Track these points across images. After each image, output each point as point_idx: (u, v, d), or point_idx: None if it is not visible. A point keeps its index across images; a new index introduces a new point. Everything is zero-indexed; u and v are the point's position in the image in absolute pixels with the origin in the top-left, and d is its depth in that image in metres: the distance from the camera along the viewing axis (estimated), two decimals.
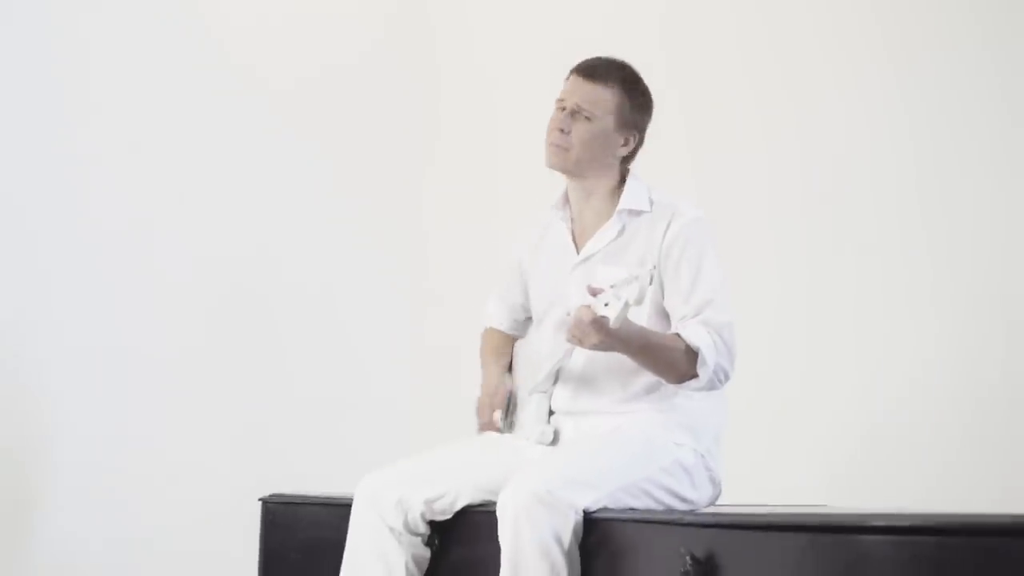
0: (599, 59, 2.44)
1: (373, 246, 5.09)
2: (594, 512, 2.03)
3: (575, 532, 2.00)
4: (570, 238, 2.46)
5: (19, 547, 3.88)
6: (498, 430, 2.43)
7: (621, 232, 2.40)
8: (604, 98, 2.38)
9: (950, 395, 3.74)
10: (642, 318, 2.28)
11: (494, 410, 2.44)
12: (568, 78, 2.45)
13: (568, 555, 1.99)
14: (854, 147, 4.30)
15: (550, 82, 3.96)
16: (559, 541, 1.98)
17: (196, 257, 4.44)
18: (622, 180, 2.44)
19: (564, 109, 2.39)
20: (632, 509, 2.10)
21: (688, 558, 1.59)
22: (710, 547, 1.60)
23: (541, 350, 2.44)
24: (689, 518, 1.87)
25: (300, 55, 4.92)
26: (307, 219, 4.92)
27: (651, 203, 2.41)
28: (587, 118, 2.36)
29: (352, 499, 2.38)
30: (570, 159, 2.38)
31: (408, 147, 5.22)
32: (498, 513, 2.04)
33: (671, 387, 2.28)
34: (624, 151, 2.42)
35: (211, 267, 4.49)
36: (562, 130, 2.37)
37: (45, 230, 4.04)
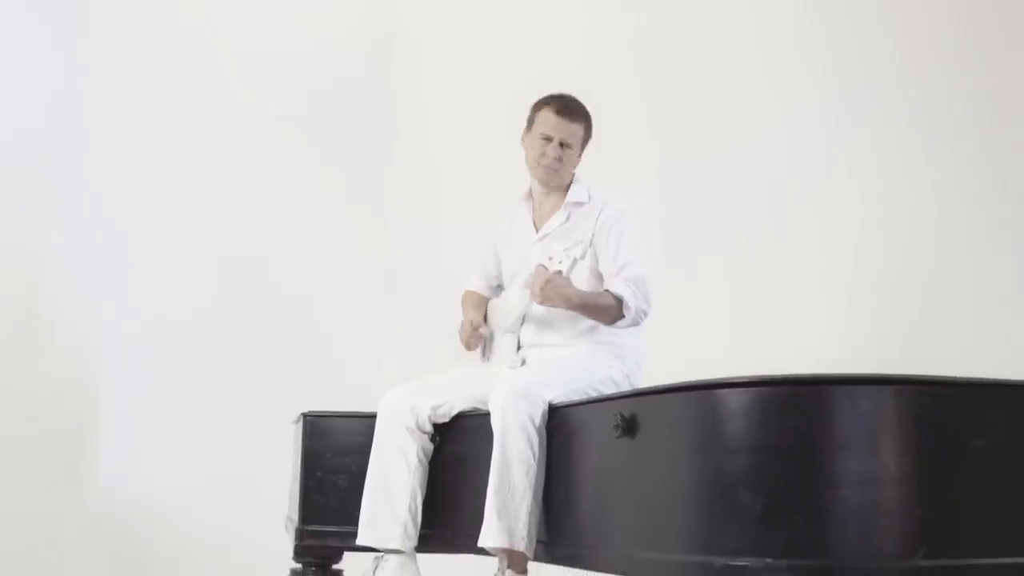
0: (571, 100, 3.25)
1: (343, 232, 5.91)
2: (555, 403, 2.86)
3: (543, 415, 2.83)
4: (531, 222, 3.35)
5: (72, 489, 4.52)
6: (481, 337, 3.25)
7: (568, 218, 3.28)
8: (578, 132, 3.24)
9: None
10: (583, 278, 3.12)
11: (475, 328, 3.26)
12: (544, 112, 3.23)
13: (539, 431, 2.81)
14: (793, 156, 5.37)
15: (488, 104, 5.02)
16: (532, 421, 2.81)
17: (214, 241, 5.16)
18: (570, 181, 3.32)
19: (551, 140, 3.20)
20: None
21: (619, 416, 2.44)
22: (632, 408, 2.44)
23: (511, 301, 3.30)
24: (616, 395, 2.72)
25: (288, 81, 5.70)
26: (291, 214, 5.71)
27: (590, 197, 3.30)
28: (569, 147, 3.23)
29: (370, 414, 3.23)
30: (560, 177, 3.26)
31: (372, 153, 6.07)
32: (490, 405, 2.87)
33: (606, 328, 3.15)
34: (577, 164, 3.32)
35: (234, 248, 5.19)
36: (558, 159, 3.21)
37: (96, 230, 4.71)
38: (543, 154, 3.23)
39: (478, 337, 3.28)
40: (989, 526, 2.13)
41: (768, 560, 2.10)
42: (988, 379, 2.17)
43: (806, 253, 5.25)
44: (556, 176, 3.25)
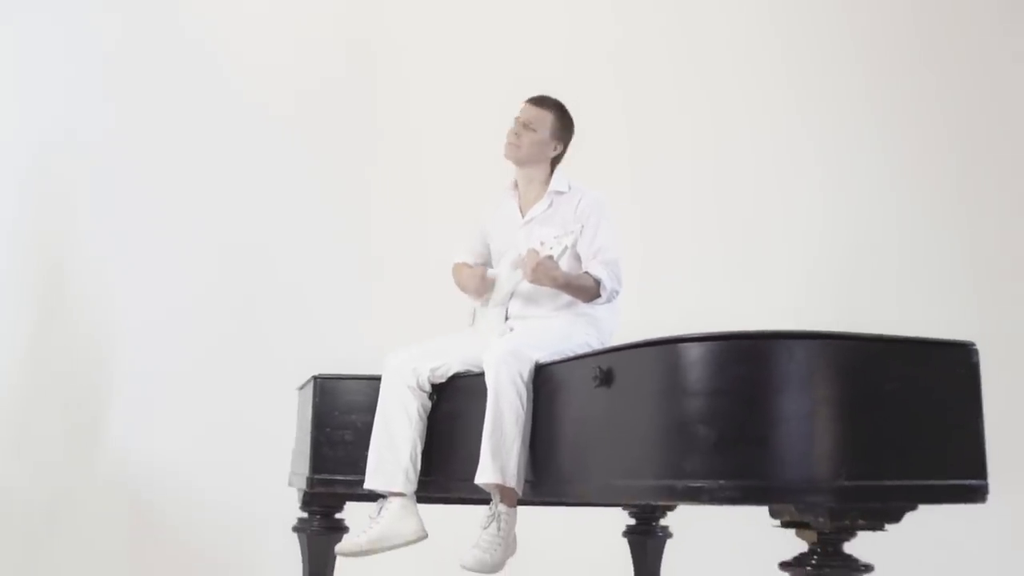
0: (545, 94, 3.71)
1: (331, 222, 6.35)
2: (541, 362, 3.26)
3: (531, 372, 3.22)
4: (517, 208, 3.79)
5: (88, 453, 4.84)
6: (488, 281, 3.64)
7: (551, 205, 3.73)
8: (544, 117, 3.68)
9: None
10: (563, 260, 3.55)
11: (482, 275, 3.65)
12: (522, 105, 3.70)
13: (527, 385, 3.21)
14: (760, 160, 6.04)
15: (466, 101, 5.55)
16: (522, 376, 3.21)
17: (214, 232, 5.54)
18: (552, 173, 3.77)
19: (518, 122, 3.67)
20: None
21: (597, 369, 2.88)
22: (609, 362, 2.88)
23: (500, 277, 3.72)
24: (595, 352, 3.12)
25: (279, 84, 6.12)
26: (282, 207, 6.13)
27: (569, 187, 3.75)
28: (533, 129, 3.68)
29: (373, 376, 3.66)
30: (519, 153, 3.69)
31: (357, 149, 6.52)
32: (484, 363, 3.27)
33: (584, 303, 3.58)
34: (554, 154, 3.75)
35: (232, 238, 5.58)
36: (517, 135, 3.66)
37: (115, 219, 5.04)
38: (508, 133, 3.68)
39: (486, 282, 3.66)
40: (897, 453, 2.58)
41: (721, 481, 2.55)
42: (894, 336, 2.62)
43: (767, 241, 5.93)
44: (516, 152, 3.66)
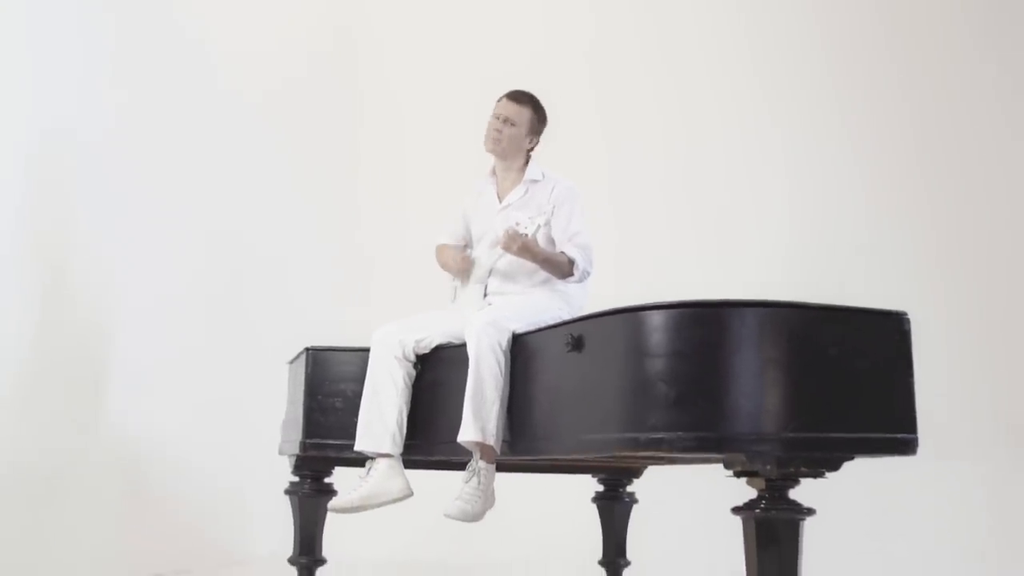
0: (521, 90, 4.02)
1: (316, 211, 6.63)
2: (517, 332, 3.55)
3: (508, 341, 3.51)
4: (495, 195, 4.10)
5: (92, 420, 5.06)
6: (470, 261, 3.95)
7: (526, 192, 4.03)
8: (523, 113, 3.99)
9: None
10: (541, 242, 3.86)
11: (464, 257, 3.96)
12: (501, 100, 4.00)
13: (505, 353, 3.50)
14: (729, 147, 6.53)
15: (446, 93, 5.88)
16: (500, 345, 3.49)
17: (204, 221, 5.80)
18: (527, 162, 4.08)
19: (499, 118, 3.97)
20: None
21: (569, 336, 3.17)
22: (580, 330, 3.15)
23: (479, 258, 4.03)
24: (567, 320, 3.38)
25: (265, 77, 6.38)
26: (269, 196, 6.40)
27: (543, 176, 4.06)
28: (513, 124, 3.98)
29: (361, 348, 3.94)
30: (500, 147, 3.99)
31: (341, 140, 6.83)
32: (466, 333, 3.54)
33: (558, 281, 3.89)
34: (529, 146, 4.06)
35: (220, 225, 5.86)
36: (498, 130, 3.96)
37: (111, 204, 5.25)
38: (489, 128, 3.98)
39: (467, 261, 3.97)
40: (837, 409, 2.88)
41: (679, 433, 2.85)
42: (836, 305, 2.93)
43: (735, 222, 6.40)
44: (498, 146, 3.97)
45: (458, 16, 7.00)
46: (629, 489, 4.69)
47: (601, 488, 4.71)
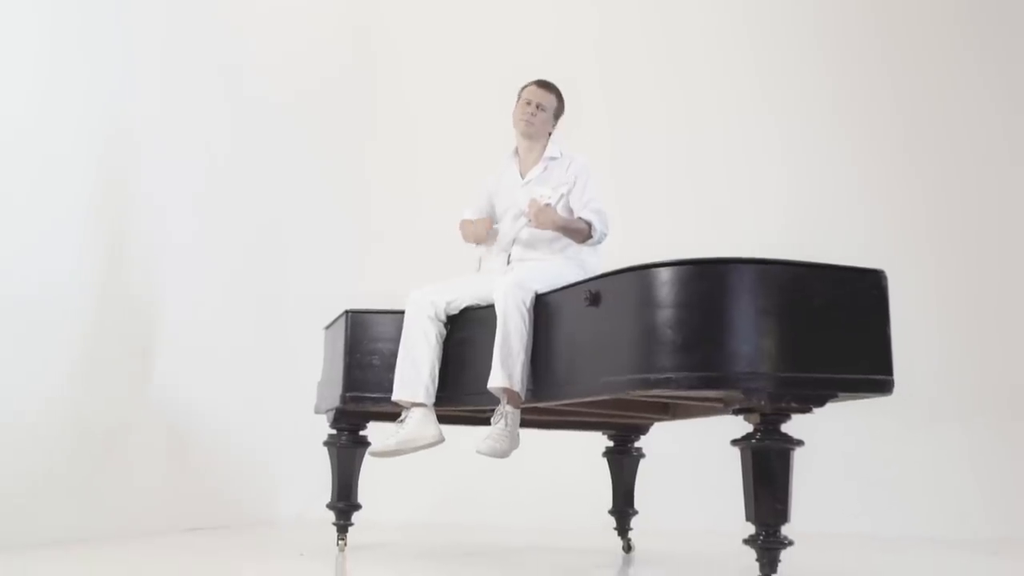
0: (546, 80, 4.44)
1: (333, 197, 7.01)
2: (540, 292, 3.94)
3: (532, 299, 3.89)
4: (518, 172, 4.52)
5: (143, 383, 5.47)
6: (494, 230, 4.36)
7: (546, 168, 4.44)
8: (551, 100, 4.42)
9: None
10: (558, 209, 4.25)
11: (487, 226, 4.38)
12: (527, 87, 4.42)
13: (529, 311, 3.87)
14: (729, 140, 6.93)
15: (458, 85, 6.27)
16: (525, 303, 3.87)
17: (238, 215, 6.21)
18: (547, 142, 4.51)
19: (531, 104, 4.38)
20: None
21: (587, 292, 3.58)
22: (597, 286, 3.57)
23: (502, 230, 4.45)
24: (585, 279, 3.75)
25: (289, 72, 6.77)
26: (292, 186, 6.77)
27: (561, 154, 4.48)
28: (543, 110, 4.40)
29: (396, 311, 4.35)
30: (533, 129, 4.40)
31: (356, 131, 7.18)
32: (494, 293, 3.92)
33: (575, 246, 4.28)
34: (552, 128, 4.48)
35: (254, 207, 6.26)
36: (532, 114, 4.37)
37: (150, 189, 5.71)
38: (523, 112, 4.40)
39: (492, 232, 4.38)
40: (822, 352, 3.29)
41: (685, 373, 3.25)
42: (822, 263, 3.35)
43: (734, 189, 6.79)
44: (532, 128, 4.38)
45: (469, 10, 7.39)
46: (636, 445, 5.09)
47: (611, 444, 5.10)
